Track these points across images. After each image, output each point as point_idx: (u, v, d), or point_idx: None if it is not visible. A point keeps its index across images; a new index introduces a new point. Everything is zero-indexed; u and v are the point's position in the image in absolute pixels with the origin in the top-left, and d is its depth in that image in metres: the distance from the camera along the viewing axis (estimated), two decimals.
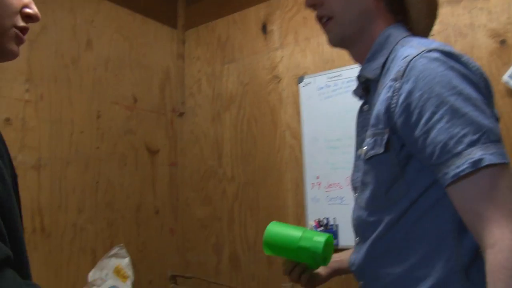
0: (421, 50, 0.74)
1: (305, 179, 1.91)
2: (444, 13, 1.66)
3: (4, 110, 1.66)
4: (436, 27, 0.98)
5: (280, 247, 0.97)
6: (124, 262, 1.76)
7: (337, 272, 1.04)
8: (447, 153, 0.66)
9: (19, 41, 0.75)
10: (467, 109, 0.67)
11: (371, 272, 0.85)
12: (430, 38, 0.92)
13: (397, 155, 0.77)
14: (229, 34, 2.28)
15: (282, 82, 2.04)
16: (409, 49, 0.77)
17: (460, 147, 0.65)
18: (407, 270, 0.77)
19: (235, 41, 2.25)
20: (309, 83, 1.96)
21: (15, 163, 1.58)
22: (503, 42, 1.52)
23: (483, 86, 0.73)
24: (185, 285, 2.18)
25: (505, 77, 1.48)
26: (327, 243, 0.93)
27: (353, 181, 0.93)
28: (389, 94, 0.76)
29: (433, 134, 0.68)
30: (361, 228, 0.87)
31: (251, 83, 2.16)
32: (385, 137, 0.77)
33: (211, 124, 2.28)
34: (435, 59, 0.72)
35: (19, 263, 0.66)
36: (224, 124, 2.24)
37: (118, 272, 1.72)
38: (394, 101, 0.74)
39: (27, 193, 1.67)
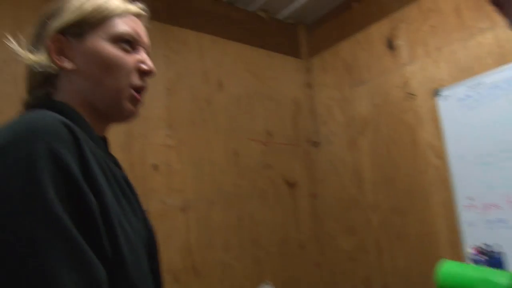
0: None
1: (455, 201, 2.15)
2: None
3: (151, 156, 2.28)
4: None
5: None
6: None
7: None
8: None
9: (135, 102, 0.91)
10: None
11: None
12: None
13: None
14: (354, 55, 2.68)
15: (417, 99, 2.35)
16: None
17: None
18: None
19: (361, 62, 2.64)
20: (447, 96, 2.20)
21: (164, 207, 2.20)
22: None
23: None
24: None
25: None
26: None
27: None
28: None
29: None
30: None
31: (384, 104, 2.49)
32: None
33: (348, 151, 2.65)
34: None
35: None
36: (361, 149, 2.59)
37: None
38: None
39: (177, 234, 2.30)
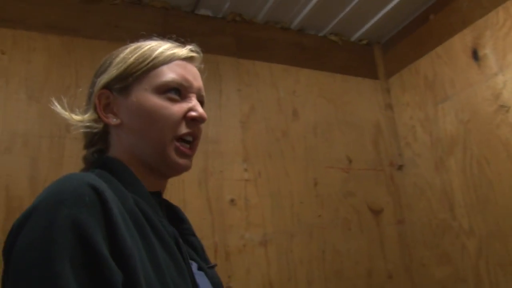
0: None
1: None
2: None
3: (228, 191, 2.24)
4: None
5: None
6: None
7: None
8: None
9: (183, 154, 0.87)
10: None
11: None
12: None
13: None
14: (436, 71, 2.49)
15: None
16: None
17: None
18: None
19: (444, 77, 2.45)
20: None
21: (243, 242, 2.11)
22: None
23: None
24: None
25: None
26: None
27: None
28: None
29: None
30: None
31: (473, 119, 2.29)
32: None
33: (435, 173, 2.45)
34: None
35: None
36: (450, 170, 2.39)
37: None
38: None
39: (257, 269, 2.22)
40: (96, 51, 2.14)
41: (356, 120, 2.70)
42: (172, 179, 2.14)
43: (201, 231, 2.16)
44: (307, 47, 2.72)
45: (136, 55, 0.88)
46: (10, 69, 2.06)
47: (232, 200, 2.28)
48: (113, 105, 0.88)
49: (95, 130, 0.88)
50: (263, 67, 2.58)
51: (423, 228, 2.53)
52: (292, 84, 2.62)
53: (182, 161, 0.86)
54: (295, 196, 2.40)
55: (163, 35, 2.39)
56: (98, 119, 0.88)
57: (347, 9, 2.54)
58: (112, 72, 0.88)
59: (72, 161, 1.93)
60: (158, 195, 0.87)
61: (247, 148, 2.40)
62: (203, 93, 0.95)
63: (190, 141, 0.90)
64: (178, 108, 0.86)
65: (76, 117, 0.88)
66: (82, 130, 0.89)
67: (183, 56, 0.92)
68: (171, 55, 0.89)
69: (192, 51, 0.96)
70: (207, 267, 0.95)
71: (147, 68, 0.87)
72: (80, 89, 2.01)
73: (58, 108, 0.88)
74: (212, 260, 2.11)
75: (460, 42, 2.39)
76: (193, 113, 0.86)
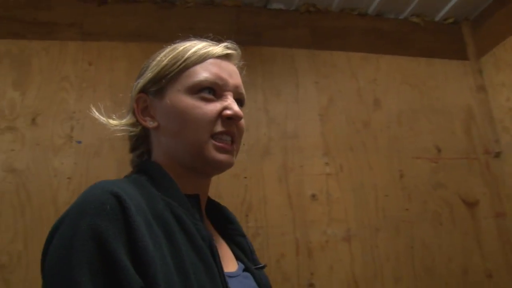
0: None
1: None
2: None
3: (309, 187, 2.17)
4: None
5: None
6: None
7: None
8: None
9: (223, 150, 0.84)
10: None
11: None
12: None
13: None
14: None
15: None
16: None
17: None
18: None
19: None
20: None
21: (325, 238, 2.03)
22: None
23: None
24: None
25: None
26: None
27: None
28: None
29: None
30: None
31: None
32: None
33: None
34: None
35: None
36: None
37: None
38: None
39: (340, 266, 2.12)
40: None
41: (444, 105, 2.48)
42: (252, 176, 2.15)
43: (282, 227, 2.13)
44: (386, 32, 2.55)
45: (169, 57, 0.86)
46: (96, 78, 2.17)
47: (313, 195, 2.22)
48: (150, 108, 0.87)
49: (133, 133, 0.89)
50: (341, 57, 2.47)
51: None
52: (372, 72, 2.47)
53: (221, 156, 0.83)
54: (379, 189, 2.27)
55: (237, 33, 2.41)
56: (136, 123, 0.89)
57: None
58: (147, 75, 0.87)
59: None
60: (196, 198, 0.85)
61: (327, 141, 2.31)
62: (242, 91, 0.91)
63: (229, 140, 0.86)
64: (212, 107, 0.83)
65: (113, 122, 0.89)
66: (119, 134, 0.90)
67: (217, 54, 0.88)
68: (204, 54, 0.86)
69: (228, 48, 0.92)
70: (254, 268, 0.92)
71: (179, 69, 0.85)
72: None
73: (96, 114, 0.90)
74: (294, 257, 2.09)
75: None
76: (227, 112, 0.83)
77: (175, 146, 0.84)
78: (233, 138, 0.86)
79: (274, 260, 2.08)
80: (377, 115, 2.39)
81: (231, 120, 0.84)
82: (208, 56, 0.86)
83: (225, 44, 0.92)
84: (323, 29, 2.49)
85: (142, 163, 0.89)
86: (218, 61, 0.88)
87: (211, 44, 0.91)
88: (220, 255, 0.84)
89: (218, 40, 0.93)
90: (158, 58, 0.88)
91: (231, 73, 0.89)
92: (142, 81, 0.88)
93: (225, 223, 0.98)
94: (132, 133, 0.90)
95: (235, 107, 0.84)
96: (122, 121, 0.90)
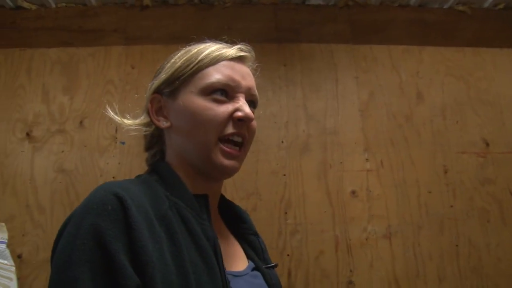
0: None
1: None
2: None
3: (349, 183, 2.14)
4: None
5: None
6: None
7: None
8: None
9: (227, 155, 0.83)
10: None
11: None
12: None
13: None
14: None
15: None
16: None
17: None
18: None
19: None
20: None
21: (365, 235, 1.99)
22: None
23: None
24: None
25: None
26: None
27: None
28: None
29: None
30: None
31: None
32: None
33: None
34: None
35: None
36: None
37: None
38: None
39: (380, 263, 2.06)
40: None
41: (493, 97, 2.32)
42: (291, 173, 2.14)
43: (321, 224, 2.11)
44: (429, 22, 2.42)
45: (183, 58, 0.87)
46: (139, 81, 2.25)
47: (353, 192, 2.17)
48: (164, 108, 0.88)
49: (146, 133, 0.91)
50: (381, 51, 2.38)
51: None
52: (414, 65, 2.37)
53: (228, 162, 0.83)
54: (422, 185, 2.18)
55: (275, 31, 2.40)
56: (150, 123, 0.90)
57: None
58: (162, 76, 0.88)
59: None
60: (204, 197, 0.86)
61: (367, 137, 2.25)
62: (254, 92, 0.90)
63: (239, 142, 0.86)
64: (224, 109, 0.83)
65: (127, 121, 0.91)
66: (132, 134, 0.93)
67: (230, 56, 0.87)
68: (218, 56, 0.86)
69: (241, 50, 0.92)
70: (265, 267, 0.92)
71: (192, 70, 0.85)
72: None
73: (110, 113, 0.92)
74: (333, 254, 2.06)
75: None
76: (238, 113, 0.83)
77: (186, 147, 0.85)
78: (243, 139, 0.86)
79: (313, 257, 2.07)
80: (419, 109, 2.30)
81: (242, 122, 0.84)
82: (221, 58, 0.86)
83: (238, 46, 0.92)
84: (363, 23, 2.42)
85: (154, 163, 0.91)
86: (231, 63, 0.87)
87: (224, 46, 0.90)
88: (229, 254, 0.86)
89: (232, 42, 0.94)
90: (172, 60, 0.89)
91: (244, 75, 0.88)
92: (156, 82, 0.89)
93: (238, 222, 0.99)
94: (146, 133, 0.92)
95: (246, 108, 0.84)
96: (136, 120, 0.92)
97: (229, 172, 0.85)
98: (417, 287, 2.03)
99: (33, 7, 2.34)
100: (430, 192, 2.17)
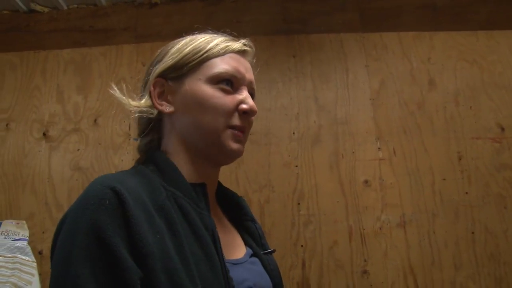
0: None
1: None
2: None
3: (362, 173, 2.12)
4: None
5: None
6: None
7: None
8: None
9: (237, 139, 0.86)
10: None
11: None
12: None
13: None
14: None
15: None
16: None
17: None
18: None
19: None
20: None
21: (378, 224, 1.97)
22: None
23: None
24: None
25: None
26: None
27: None
28: None
29: None
30: None
31: None
32: None
33: None
34: None
35: None
36: None
37: None
38: None
39: (395, 252, 2.04)
40: None
41: (508, 81, 2.24)
42: (303, 165, 2.14)
43: (334, 214, 2.10)
44: (440, 7, 2.35)
45: (191, 46, 0.87)
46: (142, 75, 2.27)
47: (366, 181, 2.15)
48: (167, 93, 0.88)
49: (151, 116, 0.88)
50: (391, 38, 2.34)
51: None
52: (426, 51, 2.31)
53: (236, 145, 0.85)
54: (436, 172, 2.14)
55: (284, 22, 2.38)
56: (152, 106, 0.89)
57: None
58: (168, 61, 0.88)
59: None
60: (202, 186, 0.87)
61: (379, 125, 2.22)
62: (254, 87, 0.93)
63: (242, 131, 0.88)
64: (231, 99, 0.85)
65: (134, 103, 0.88)
66: (138, 115, 0.90)
67: (236, 49, 0.89)
68: (225, 48, 0.88)
69: (245, 45, 0.93)
70: (262, 253, 0.93)
71: (201, 59, 0.86)
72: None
73: (117, 93, 0.89)
74: (347, 244, 2.05)
75: None
76: (244, 106, 0.85)
77: (191, 132, 0.86)
78: (244, 131, 0.88)
79: (327, 247, 2.06)
80: (432, 95, 2.25)
81: (247, 114, 0.86)
82: (228, 50, 0.88)
83: (243, 41, 0.92)
84: (372, 11, 2.38)
85: (149, 152, 0.90)
86: (237, 56, 0.89)
87: (229, 39, 0.92)
88: (227, 242, 0.86)
89: (230, 34, 0.94)
90: (178, 46, 0.89)
91: (247, 68, 0.91)
92: (161, 66, 0.88)
93: (235, 209, 1.00)
94: (148, 116, 0.89)
95: (251, 101, 0.87)
96: (142, 102, 0.89)
97: (236, 155, 0.86)
98: (433, 275, 2.00)
99: (46, 10, 2.38)
100: (444, 179, 2.13)
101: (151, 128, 0.91)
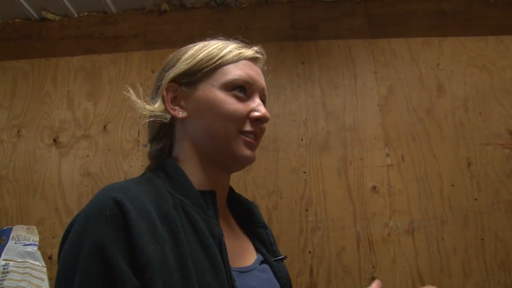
0: None
1: None
2: None
3: (370, 179, 2.11)
4: None
5: None
6: None
7: None
8: None
9: (249, 146, 0.87)
10: None
11: None
12: None
13: None
14: None
15: None
16: None
17: None
18: None
19: None
20: None
21: (387, 230, 1.96)
22: None
23: None
24: None
25: None
26: None
27: None
28: None
29: None
30: None
31: None
32: None
33: None
34: None
35: None
36: None
37: None
38: None
39: (403, 259, 2.02)
40: None
41: None
42: (311, 171, 2.14)
43: (342, 220, 2.09)
44: (449, 12, 2.34)
45: (204, 52, 0.88)
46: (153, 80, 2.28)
47: (374, 188, 2.15)
48: (180, 98, 0.88)
49: (164, 121, 0.88)
50: (400, 44, 2.33)
51: None
52: (434, 57, 2.30)
53: (248, 152, 0.86)
54: (444, 179, 2.12)
55: (292, 29, 2.39)
56: (165, 111, 0.88)
57: None
58: (181, 67, 0.88)
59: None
60: (211, 194, 0.86)
61: (387, 132, 2.22)
62: (266, 93, 0.93)
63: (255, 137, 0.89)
64: (243, 106, 0.86)
65: (149, 107, 0.88)
66: (148, 120, 0.90)
67: (249, 56, 0.90)
68: (238, 55, 0.88)
69: (257, 52, 0.93)
70: (273, 260, 0.93)
71: (215, 65, 0.86)
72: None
73: (133, 96, 0.90)
74: (355, 250, 2.04)
75: None
76: (256, 113, 0.86)
77: (203, 138, 0.86)
78: (256, 138, 0.89)
79: (334, 253, 2.05)
80: (441, 101, 2.24)
81: (258, 122, 0.87)
82: (241, 57, 0.89)
83: (255, 48, 0.93)
84: (380, 17, 2.37)
85: (160, 159, 0.91)
86: (250, 63, 0.90)
87: (242, 45, 0.92)
88: (237, 249, 0.86)
89: (241, 40, 0.95)
90: (191, 52, 0.89)
91: (259, 75, 0.92)
92: (174, 72, 0.88)
93: (247, 215, 1.00)
94: (161, 121, 0.89)
95: (263, 109, 0.87)
96: (156, 106, 0.89)
97: (249, 162, 0.87)
98: (442, 282, 1.98)
99: (57, 17, 2.41)
100: (453, 185, 2.11)
101: (163, 134, 0.92)
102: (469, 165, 2.13)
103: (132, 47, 2.36)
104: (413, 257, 2.02)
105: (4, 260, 1.94)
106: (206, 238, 0.75)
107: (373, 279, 2.00)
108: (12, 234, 2.06)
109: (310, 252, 2.06)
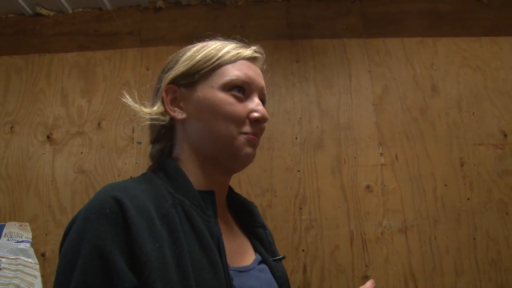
0: None
1: None
2: None
3: (364, 178, 2.12)
4: None
5: None
6: None
7: None
8: None
9: (251, 144, 0.87)
10: None
11: None
12: None
13: None
14: None
15: None
16: None
17: None
18: None
19: None
20: None
21: (380, 229, 1.98)
22: None
23: None
24: None
25: None
26: None
27: None
28: None
29: None
30: None
31: None
32: None
33: None
34: None
35: None
36: None
37: None
38: None
39: (396, 258, 2.04)
40: None
41: (511, 88, 2.27)
42: (305, 170, 2.14)
43: (336, 219, 2.10)
44: (444, 13, 2.35)
45: (202, 53, 0.88)
46: (153, 81, 2.28)
47: (368, 187, 2.16)
48: (180, 99, 0.88)
49: (162, 123, 0.89)
50: (395, 43, 2.34)
51: None
52: (429, 57, 2.31)
53: (249, 149, 0.86)
54: (438, 178, 2.14)
55: (288, 27, 2.40)
56: (165, 113, 0.89)
57: None
58: (179, 68, 0.88)
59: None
60: (210, 194, 0.86)
61: (381, 131, 2.23)
62: (265, 92, 0.93)
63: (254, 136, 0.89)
64: (243, 106, 0.86)
65: (146, 110, 0.89)
66: (148, 123, 0.90)
67: (247, 56, 0.90)
68: (236, 55, 0.89)
69: (255, 51, 0.93)
70: (272, 260, 0.94)
71: (213, 66, 0.87)
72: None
73: (129, 100, 0.90)
74: (349, 249, 2.06)
75: None
76: (255, 114, 0.86)
77: (203, 139, 0.86)
78: (256, 135, 0.89)
79: (328, 252, 2.06)
80: (435, 101, 2.25)
81: (258, 122, 0.87)
82: (240, 57, 0.89)
83: (254, 47, 0.93)
84: (375, 16, 2.38)
85: (160, 159, 0.90)
86: (248, 63, 0.90)
87: (240, 45, 0.92)
88: (235, 249, 0.87)
89: (241, 41, 0.95)
90: (190, 54, 0.90)
91: (258, 75, 0.92)
92: (173, 73, 0.89)
93: (246, 215, 1.00)
94: (161, 123, 0.90)
95: (262, 109, 0.88)
96: (154, 108, 0.89)
97: (249, 160, 0.87)
98: (434, 281, 2.00)
99: (51, 13, 2.40)
100: (446, 185, 2.13)
101: (163, 135, 0.92)
102: (462, 165, 2.15)
103: (127, 44, 2.35)
104: (406, 256, 2.04)
105: None
106: (204, 237, 0.76)
107: (366, 277, 2.01)
108: (5, 231, 2.05)
109: (303, 250, 2.07)
